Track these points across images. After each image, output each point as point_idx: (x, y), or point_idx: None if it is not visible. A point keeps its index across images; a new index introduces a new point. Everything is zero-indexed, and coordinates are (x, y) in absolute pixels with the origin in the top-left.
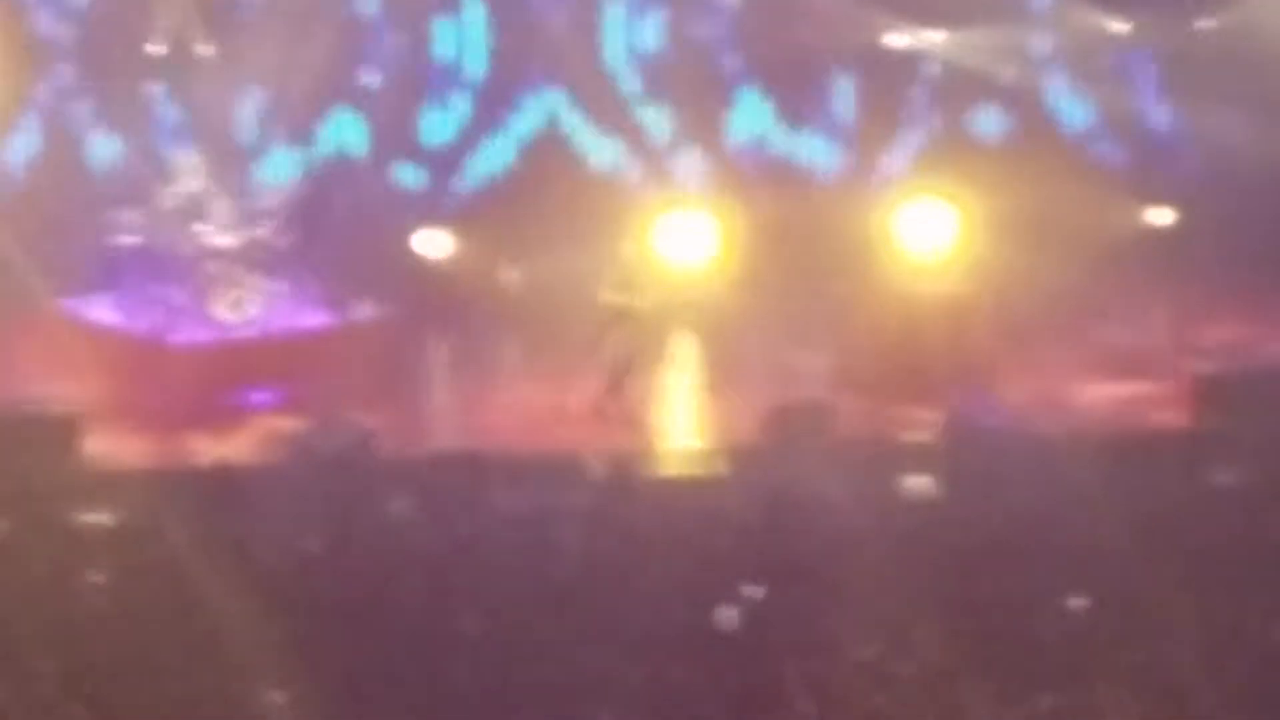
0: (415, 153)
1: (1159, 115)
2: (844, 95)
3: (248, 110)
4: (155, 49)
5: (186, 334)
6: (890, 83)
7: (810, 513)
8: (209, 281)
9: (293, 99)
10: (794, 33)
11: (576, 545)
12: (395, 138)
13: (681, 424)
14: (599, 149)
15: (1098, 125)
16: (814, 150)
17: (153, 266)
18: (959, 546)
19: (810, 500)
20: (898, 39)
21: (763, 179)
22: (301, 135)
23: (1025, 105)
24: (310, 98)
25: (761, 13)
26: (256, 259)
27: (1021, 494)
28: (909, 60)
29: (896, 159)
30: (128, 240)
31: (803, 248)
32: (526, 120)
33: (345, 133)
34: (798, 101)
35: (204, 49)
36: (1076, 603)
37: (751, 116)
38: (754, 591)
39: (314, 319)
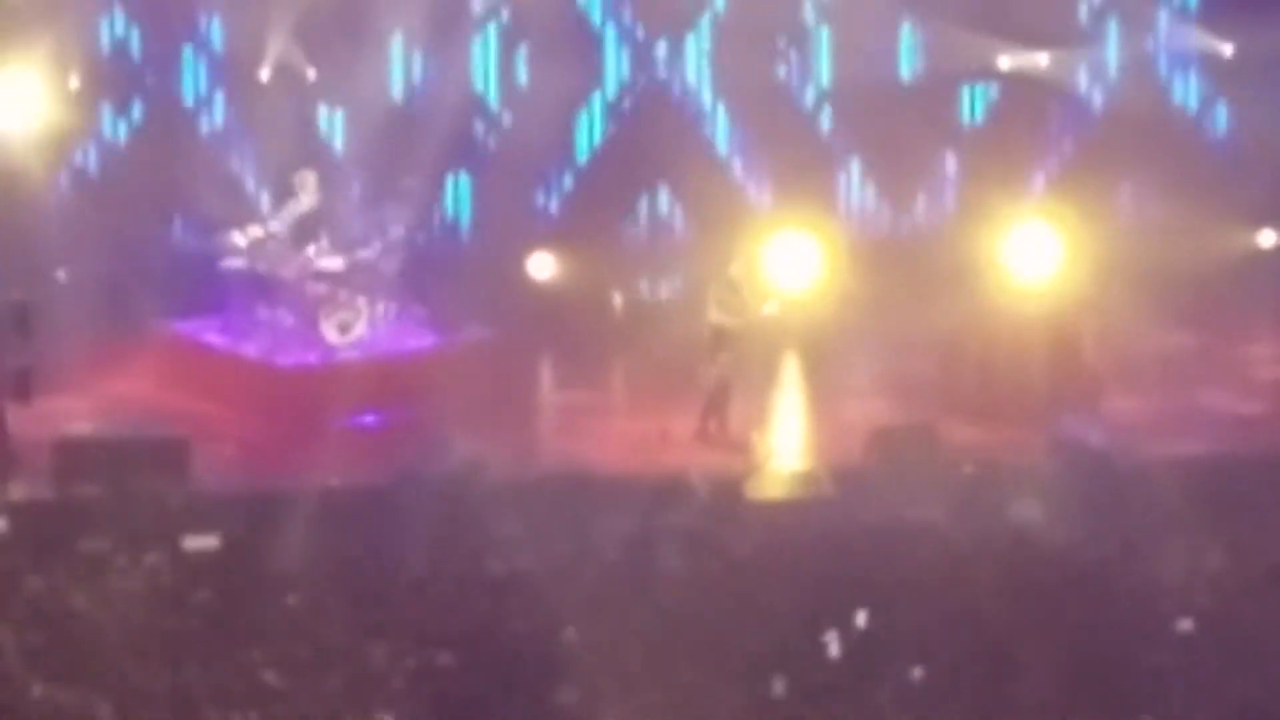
0: (526, 175)
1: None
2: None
3: (354, 133)
4: (263, 73)
5: (295, 356)
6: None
7: (915, 535)
8: (317, 304)
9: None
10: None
11: (681, 567)
12: (505, 161)
13: (786, 446)
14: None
15: (1203, 148)
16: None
17: (261, 289)
18: (1064, 569)
19: (915, 523)
20: (1005, 61)
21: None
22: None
23: (1129, 127)
24: (418, 121)
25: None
26: (364, 281)
27: (1126, 517)
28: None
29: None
30: (236, 263)
31: (908, 270)
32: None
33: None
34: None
35: (310, 72)
36: (1182, 626)
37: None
38: (859, 614)
39: (421, 341)
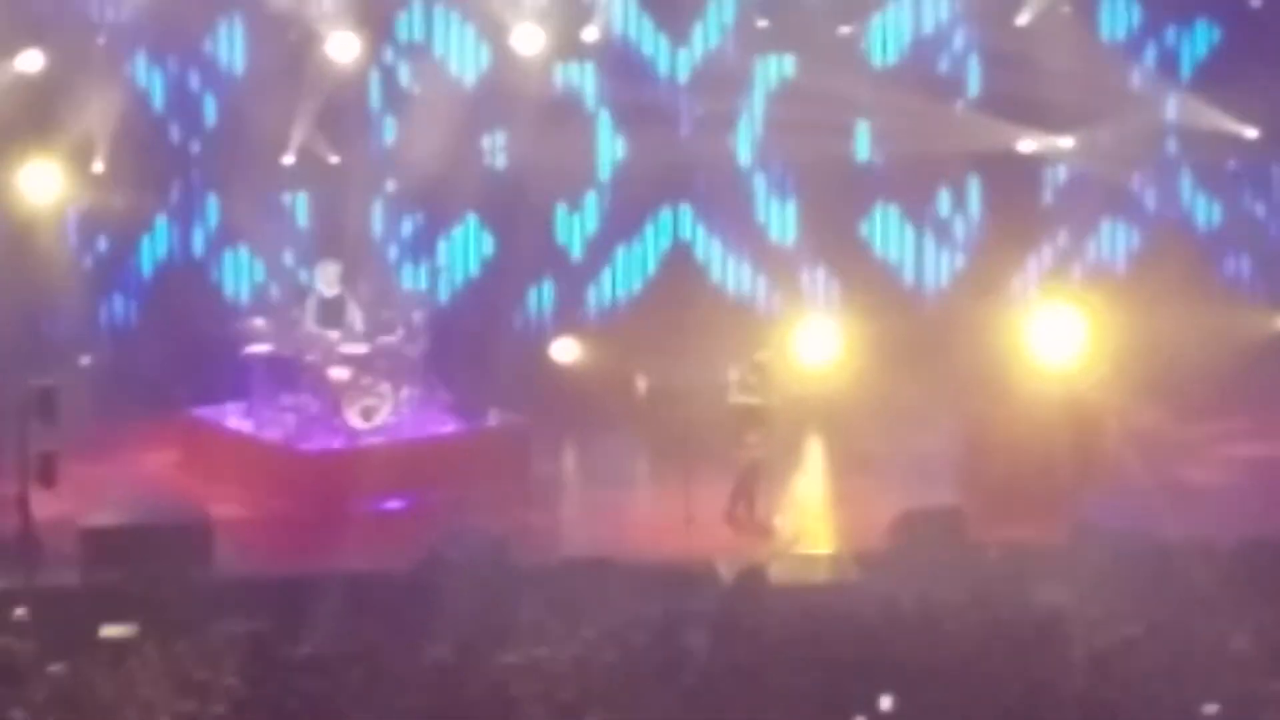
0: (547, 263)
1: None
2: (973, 205)
3: (378, 219)
4: (286, 159)
5: (319, 441)
6: (1019, 190)
7: (940, 618)
8: (341, 390)
9: (422, 207)
10: (923, 143)
11: (706, 651)
12: (526, 249)
13: (811, 529)
14: (729, 260)
15: (1226, 232)
16: (942, 259)
17: (285, 374)
18: (1089, 651)
19: (940, 606)
20: (1027, 145)
21: (892, 286)
22: (432, 245)
23: (1153, 211)
24: (440, 207)
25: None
26: (387, 366)
27: (1151, 599)
28: (1037, 167)
29: (1027, 266)
30: (261, 348)
31: (931, 353)
32: (659, 232)
33: (475, 243)
34: (926, 213)
35: (334, 158)
36: (1208, 710)
37: (883, 228)
38: (884, 698)
39: (445, 426)
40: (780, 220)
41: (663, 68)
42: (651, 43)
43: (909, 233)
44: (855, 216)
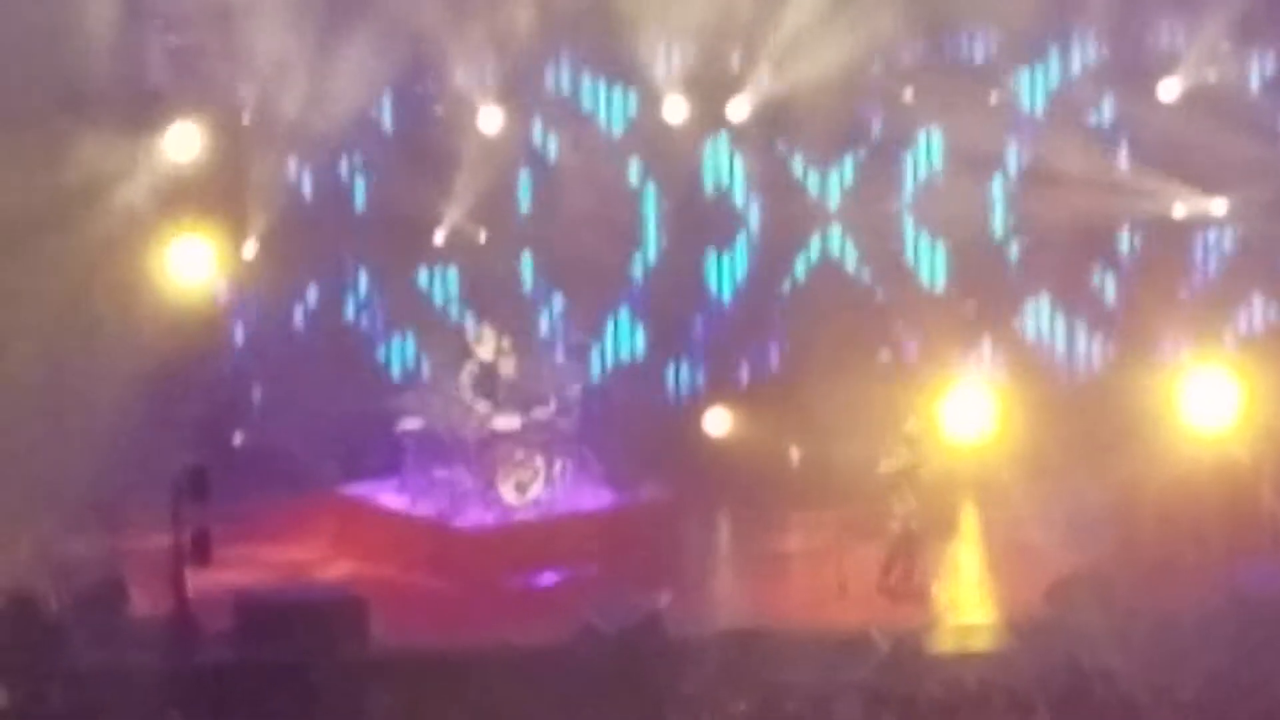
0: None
1: None
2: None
3: (527, 294)
4: (438, 237)
5: (472, 517)
6: (1171, 255)
7: (1095, 686)
8: (494, 464)
9: (576, 284)
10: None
11: None
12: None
13: (964, 597)
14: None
15: None
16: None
17: (438, 449)
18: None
19: (1095, 674)
20: (1179, 209)
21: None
22: (586, 322)
23: None
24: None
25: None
26: (541, 440)
27: None
28: (1190, 231)
29: (1175, 332)
30: (413, 424)
31: (1084, 418)
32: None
33: (626, 328)
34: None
35: (483, 235)
36: None
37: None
38: None
39: (599, 500)
40: (930, 273)
41: None
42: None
43: (1061, 314)
44: (1009, 299)
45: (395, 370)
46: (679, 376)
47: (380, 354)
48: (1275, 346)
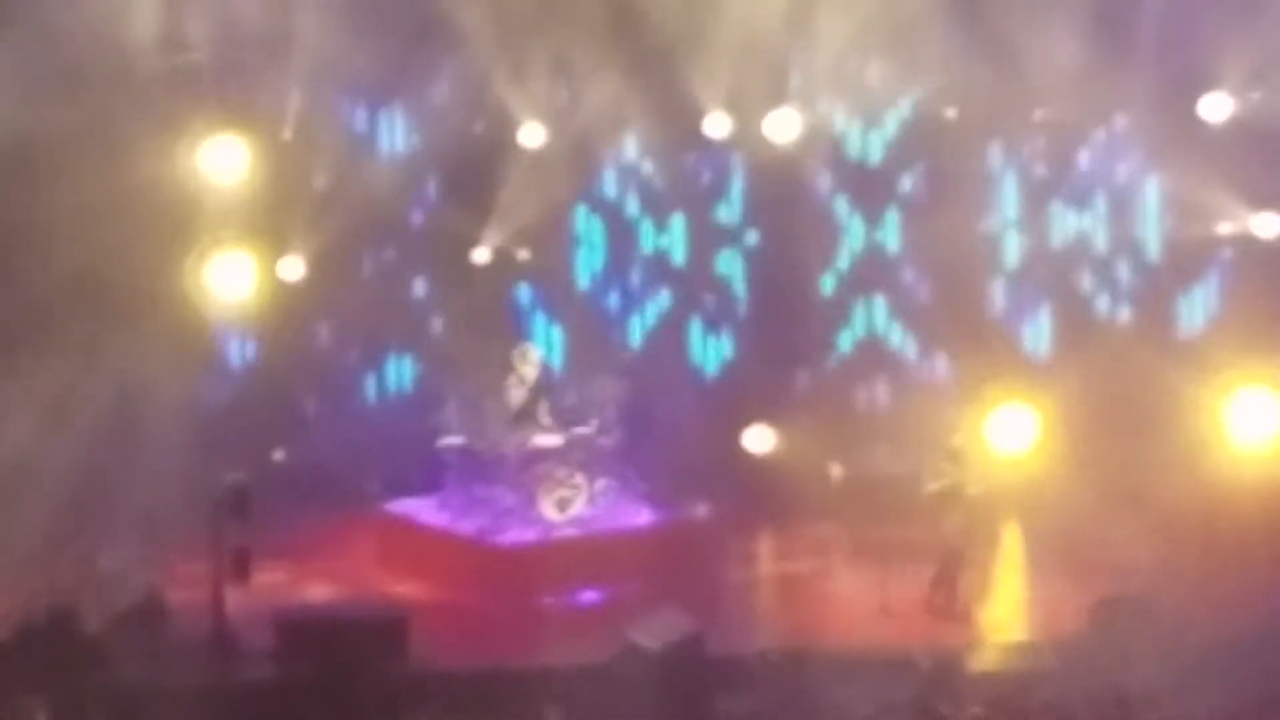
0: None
1: None
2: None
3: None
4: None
5: (513, 535)
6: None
7: (1139, 707)
8: (535, 481)
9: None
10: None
11: None
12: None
13: (1007, 617)
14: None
15: None
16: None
17: (479, 467)
18: None
19: (1139, 695)
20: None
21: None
22: (624, 338)
23: None
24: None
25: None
26: (582, 458)
27: None
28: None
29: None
30: (454, 440)
31: (1128, 438)
32: (853, 325)
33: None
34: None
35: (523, 253)
36: None
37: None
38: None
39: (640, 518)
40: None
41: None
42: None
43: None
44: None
45: (436, 387)
46: (718, 392)
47: (419, 370)
48: None
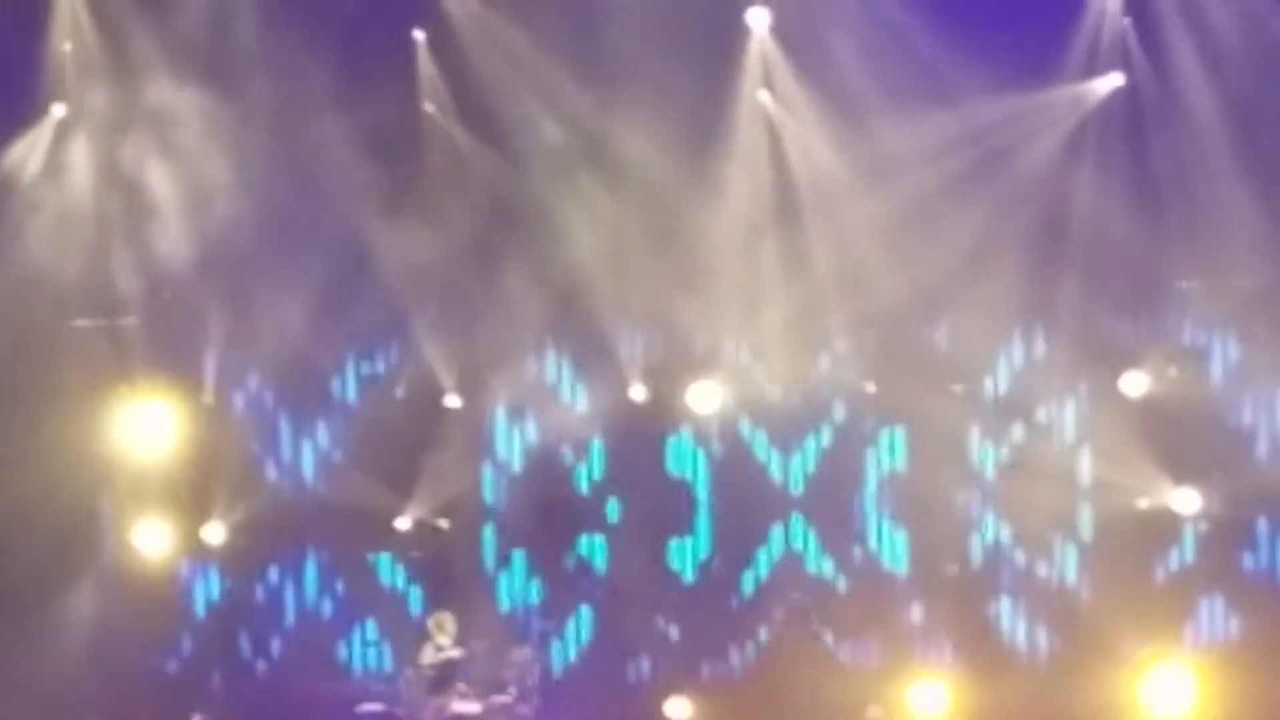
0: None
1: None
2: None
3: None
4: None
5: None
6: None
7: None
8: None
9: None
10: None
11: None
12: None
13: None
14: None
15: None
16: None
17: None
18: None
19: None
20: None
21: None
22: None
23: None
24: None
25: None
26: None
27: None
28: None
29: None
30: (373, 707)
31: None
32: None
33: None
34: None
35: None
36: None
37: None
38: None
39: None
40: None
41: None
42: None
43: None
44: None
45: (354, 654)
46: (640, 666)
47: (339, 638)
48: (1234, 647)
